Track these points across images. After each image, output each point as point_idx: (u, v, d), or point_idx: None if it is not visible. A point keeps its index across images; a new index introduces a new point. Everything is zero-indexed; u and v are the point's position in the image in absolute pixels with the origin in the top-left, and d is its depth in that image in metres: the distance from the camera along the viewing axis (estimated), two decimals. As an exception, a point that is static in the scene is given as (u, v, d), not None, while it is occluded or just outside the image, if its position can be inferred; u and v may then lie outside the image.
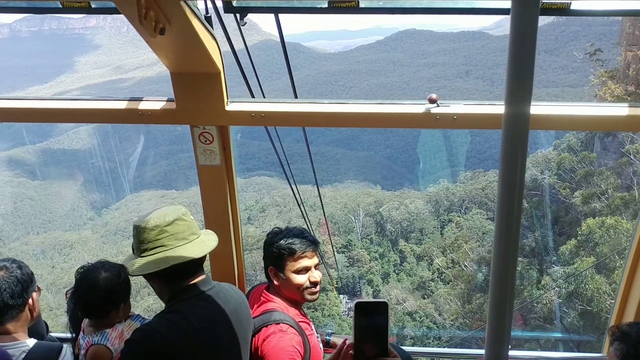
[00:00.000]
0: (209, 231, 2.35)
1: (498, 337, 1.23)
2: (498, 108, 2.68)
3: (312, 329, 2.66)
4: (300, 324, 2.55)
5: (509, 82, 1.08)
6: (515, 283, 1.24)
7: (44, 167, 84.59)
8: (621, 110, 2.72)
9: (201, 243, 2.18)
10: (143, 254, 2.10)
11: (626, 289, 3.02)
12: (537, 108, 2.61)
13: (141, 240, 2.11)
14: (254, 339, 2.44)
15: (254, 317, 2.52)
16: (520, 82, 1.07)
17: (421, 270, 44.81)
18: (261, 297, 2.65)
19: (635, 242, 2.90)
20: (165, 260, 2.07)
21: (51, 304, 37.93)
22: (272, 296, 2.63)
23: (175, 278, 2.14)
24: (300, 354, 2.41)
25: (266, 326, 2.44)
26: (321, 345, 2.78)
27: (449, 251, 39.36)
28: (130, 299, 2.49)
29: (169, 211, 2.18)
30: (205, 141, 2.74)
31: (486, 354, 1.26)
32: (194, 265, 2.15)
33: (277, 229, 2.72)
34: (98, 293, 2.30)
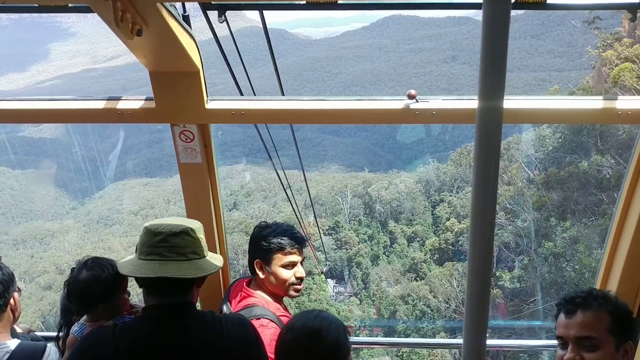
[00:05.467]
0: (218, 256, 2.24)
1: (476, 326, 1.24)
2: (476, 103, 2.71)
3: None
4: (281, 317, 2.59)
5: (482, 77, 1.10)
6: (491, 272, 1.26)
7: (26, 156, 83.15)
8: (595, 103, 2.78)
9: (195, 266, 2.05)
10: (140, 256, 2.06)
11: (611, 254, 3.06)
12: (511, 102, 2.65)
13: (143, 242, 2.08)
14: None
15: (234, 312, 2.56)
16: (493, 77, 1.09)
17: (412, 251, 44.72)
18: (242, 293, 2.68)
19: (619, 206, 2.96)
20: (144, 269, 2.01)
21: (22, 294, 37.56)
22: (252, 291, 2.67)
23: (148, 293, 2.07)
24: None
25: None
26: None
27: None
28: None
29: (181, 222, 2.11)
30: (186, 139, 2.75)
31: (464, 343, 1.27)
32: (172, 285, 2.01)
33: (264, 223, 2.76)
34: (75, 291, 2.36)
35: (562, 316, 2.06)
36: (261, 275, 2.67)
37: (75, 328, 2.41)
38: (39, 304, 39.95)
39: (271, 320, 2.49)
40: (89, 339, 2.05)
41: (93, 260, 2.42)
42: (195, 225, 2.12)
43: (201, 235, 2.14)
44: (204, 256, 2.12)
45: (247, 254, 2.73)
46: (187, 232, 2.05)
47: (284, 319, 2.60)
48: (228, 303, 2.69)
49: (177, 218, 2.17)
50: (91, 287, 2.33)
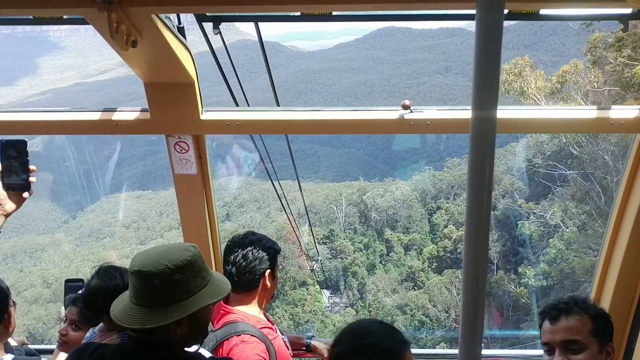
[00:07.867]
0: (222, 281, 1.98)
1: (471, 336, 1.23)
2: (470, 113, 2.73)
3: (275, 332, 2.67)
4: (263, 330, 2.55)
5: (475, 88, 1.09)
6: (487, 281, 1.25)
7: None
8: (589, 112, 2.79)
9: (152, 317, 1.77)
10: (132, 300, 1.83)
11: (605, 263, 3.07)
12: (504, 112, 2.67)
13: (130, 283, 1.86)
14: (216, 353, 2.43)
15: (214, 331, 2.51)
16: (486, 87, 1.09)
17: (410, 260, 44.21)
18: (220, 310, 2.61)
19: (614, 214, 2.97)
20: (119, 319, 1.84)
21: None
22: (230, 307, 2.59)
23: None
24: None
25: (227, 339, 2.44)
26: (288, 345, 2.79)
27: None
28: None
29: (168, 255, 1.80)
30: (181, 150, 2.74)
31: (460, 353, 1.26)
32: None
33: (250, 232, 2.68)
34: (85, 297, 2.37)
35: (546, 323, 2.15)
36: (269, 286, 2.60)
37: (88, 334, 2.42)
38: (24, 319, 39.37)
39: (252, 335, 2.45)
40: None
41: (106, 269, 2.40)
42: (178, 262, 1.76)
43: (189, 272, 1.79)
44: (181, 300, 1.79)
45: (252, 268, 2.53)
46: (161, 275, 1.73)
47: (266, 330, 2.56)
48: (210, 323, 2.64)
49: (169, 247, 1.87)
50: (96, 296, 2.31)
